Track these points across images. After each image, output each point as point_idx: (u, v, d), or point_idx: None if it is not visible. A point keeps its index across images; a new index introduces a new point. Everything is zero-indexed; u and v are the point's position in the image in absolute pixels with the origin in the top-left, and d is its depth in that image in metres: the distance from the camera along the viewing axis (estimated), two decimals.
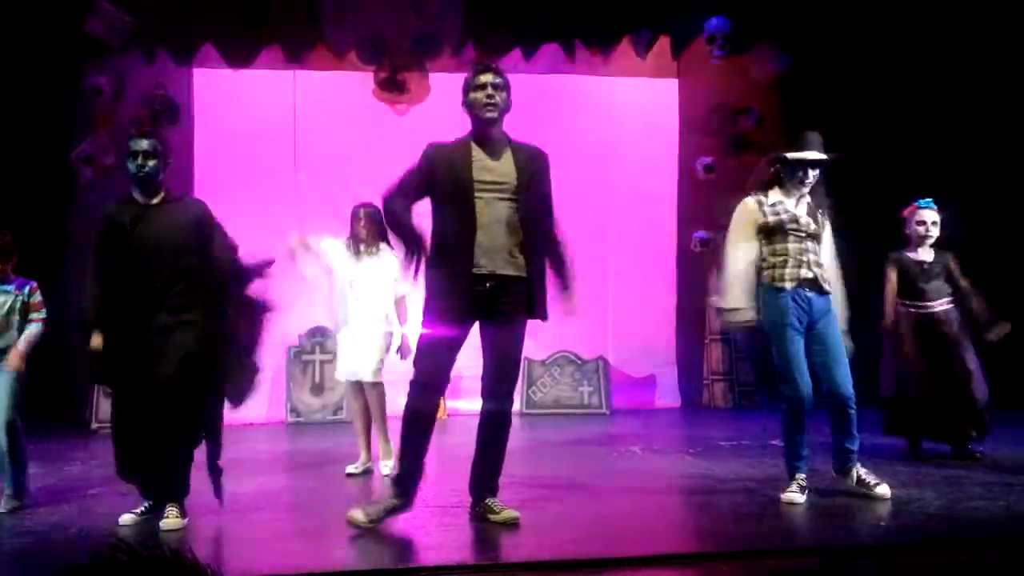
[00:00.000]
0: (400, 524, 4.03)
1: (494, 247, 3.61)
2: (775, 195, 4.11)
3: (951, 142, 7.18)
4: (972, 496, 4.11)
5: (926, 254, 5.14)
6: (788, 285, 4.00)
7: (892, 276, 5.14)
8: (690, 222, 8.14)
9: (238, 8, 6.91)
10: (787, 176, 4.07)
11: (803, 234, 4.05)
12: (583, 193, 7.91)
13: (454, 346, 3.67)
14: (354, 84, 7.61)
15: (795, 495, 4.01)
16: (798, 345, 4.00)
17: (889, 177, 6.90)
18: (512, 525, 3.65)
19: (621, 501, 4.25)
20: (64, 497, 4.45)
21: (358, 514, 3.61)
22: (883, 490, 4.03)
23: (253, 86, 7.55)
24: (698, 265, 8.14)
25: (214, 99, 7.61)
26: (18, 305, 4.26)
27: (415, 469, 3.76)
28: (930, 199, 5.11)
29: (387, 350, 5.02)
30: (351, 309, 5.00)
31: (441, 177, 3.68)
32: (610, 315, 8.04)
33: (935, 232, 5.09)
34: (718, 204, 8.29)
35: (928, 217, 5.09)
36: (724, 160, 8.03)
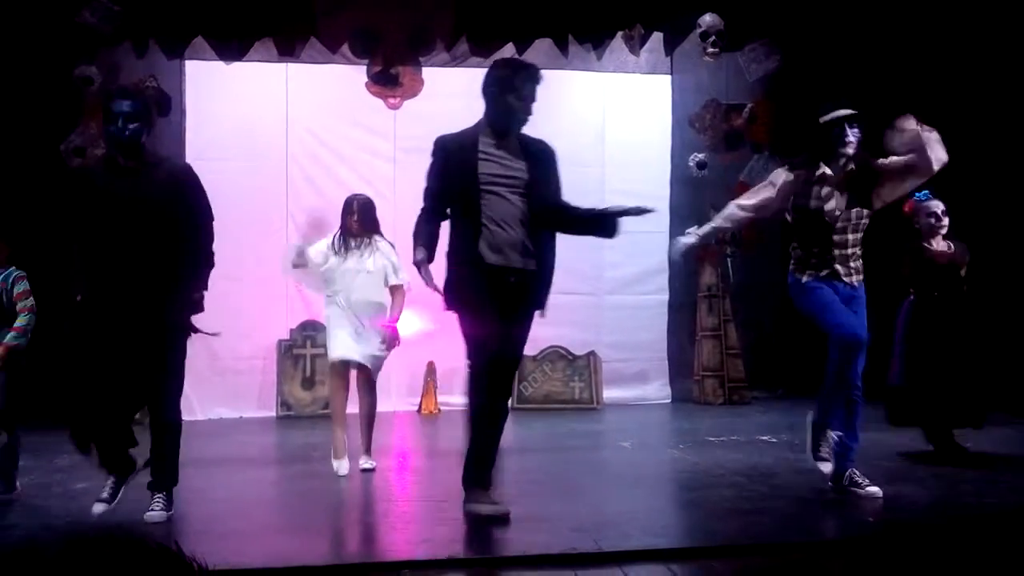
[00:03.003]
0: (390, 518, 4.03)
1: (506, 242, 3.63)
2: (821, 170, 4.01)
3: (947, 138, 7.15)
4: (960, 493, 4.13)
5: (941, 245, 5.02)
6: (805, 279, 4.02)
7: (908, 264, 5.06)
8: (682, 218, 8.13)
9: (230, 0, 6.87)
10: (830, 141, 3.98)
11: (840, 226, 3.99)
12: (575, 188, 7.87)
13: (500, 333, 3.62)
14: (347, 77, 7.58)
15: (823, 464, 4.04)
16: (831, 297, 3.96)
17: None
18: (503, 520, 3.65)
19: (611, 496, 4.26)
20: (51, 489, 4.43)
21: (481, 508, 3.59)
22: (874, 490, 4.01)
23: (245, 79, 7.51)
24: (689, 261, 8.15)
25: (206, 91, 7.56)
26: (3, 298, 4.20)
27: (487, 465, 3.69)
28: (926, 191, 5.01)
29: (387, 349, 4.86)
30: (341, 307, 4.83)
31: (450, 173, 3.70)
32: (602, 310, 8.04)
33: (946, 222, 4.99)
34: (711, 199, 8.34)
35: (937, 207, 4.97)
36: (717, 157, 8.03)
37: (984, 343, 5.03)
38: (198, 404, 7.09)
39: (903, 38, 7.17)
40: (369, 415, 4.88)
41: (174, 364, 3.72)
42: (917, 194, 5.02)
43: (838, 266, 3.99)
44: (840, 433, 4.05)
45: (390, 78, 7.50)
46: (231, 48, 7.09)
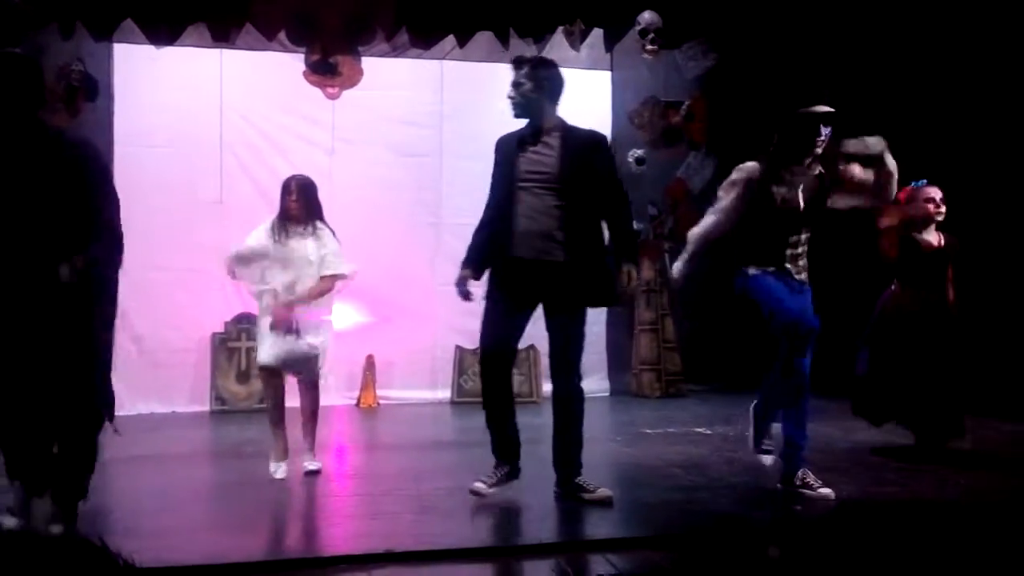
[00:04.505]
0: (327, 513, 3.99)
1: (531, 234, 3.82)
2: (788, 165, 3.92)
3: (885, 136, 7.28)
4: (884, 482, 4.27)
5: (932, 235, 4.83)
6: (753, 271, 3.97)
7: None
8: None
9: None
10: (800, 138, 3.86)
11: (799, 225, 3.94)
12: None
13: (511, 319, 3.95)
14: (284, 65, 7.43)
15: (765, 456, 4.10)
16: (779, 284, 3.89)
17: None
18: (607, 504, 3.82)
19: (549, 488, 4.28)
20: None
21: (479, 484, 3.90)
22: (826, 491, 3.90)
23: (177, 63, 7.30)
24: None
25: (135, 76, 7.33)
26: None
27: (507, 438, 4.04)
28: (924, 180, 4.84)
29: (326, 344, 4.63)
30: (275, 303, 4.56)
31: (499, 173, 4.00)
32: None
33: (944, 209, 4.76)
34: (649, 195, 8.42)
35: (936, 194, 4.77)
36: (655, 153, 8.14)
37: (965, 348, 4.86)
38: (127, 398, 6.89)
39: (840, 36, 7.33)
40: (311, 414, 4.69)
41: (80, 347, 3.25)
42: (914, 182, 4.83)
43: (788, 264, 3.94)
44: (784, 427, 4.01)
45: (329, 67, 7.39)
46: (162, 32, 6.88)
